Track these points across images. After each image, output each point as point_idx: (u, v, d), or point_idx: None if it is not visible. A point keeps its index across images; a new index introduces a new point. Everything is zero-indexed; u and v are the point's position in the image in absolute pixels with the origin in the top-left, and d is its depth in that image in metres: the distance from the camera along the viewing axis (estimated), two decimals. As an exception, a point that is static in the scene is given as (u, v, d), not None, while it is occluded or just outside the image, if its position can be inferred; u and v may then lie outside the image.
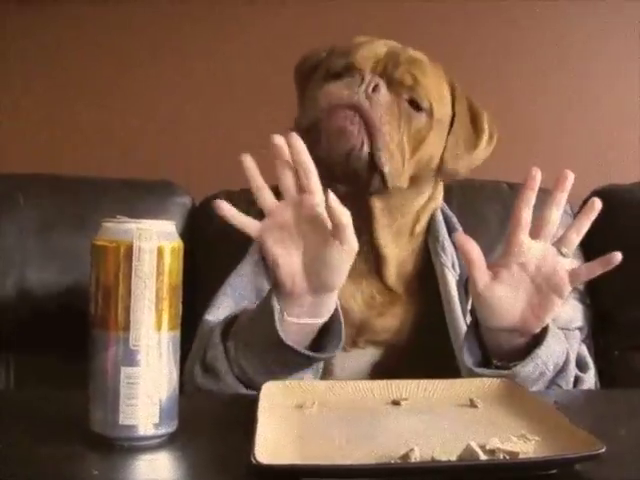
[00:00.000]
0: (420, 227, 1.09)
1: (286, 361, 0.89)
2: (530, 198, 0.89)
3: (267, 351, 0.89)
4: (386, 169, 0.98)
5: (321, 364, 0.95)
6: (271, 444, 0.64)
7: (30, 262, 1.45)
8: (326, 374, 1.01)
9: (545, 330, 0.91)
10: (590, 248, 1.53)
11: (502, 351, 0.93)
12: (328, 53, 1.10)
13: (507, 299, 0.89)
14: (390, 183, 1.00)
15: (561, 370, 0.95)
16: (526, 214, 0.88)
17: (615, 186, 1.58)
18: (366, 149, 0.97)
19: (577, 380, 0.99)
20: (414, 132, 1.01)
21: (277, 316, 0.86)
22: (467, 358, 0.93)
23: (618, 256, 0.90)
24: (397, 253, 1.06)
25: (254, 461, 0.58)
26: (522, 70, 1.83)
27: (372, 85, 0.97)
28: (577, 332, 1.07)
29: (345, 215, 0.84)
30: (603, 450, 0.59)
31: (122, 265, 0.67)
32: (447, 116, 1.07)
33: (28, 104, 1.82)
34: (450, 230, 1.11)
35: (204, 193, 1.60)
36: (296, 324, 0.88)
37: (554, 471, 0.61)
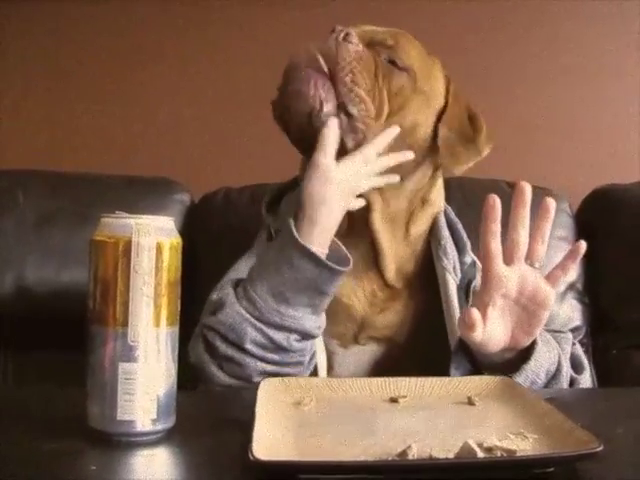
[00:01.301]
0: (416, 228, 1.08)
1: (297, 273, 0.91)
2: (494, 230, 0.87)
3: (280, 263, 0.92)
4: (354, 110, 0.95)
5: (314, 360, 0.95)
6: (269, 440, 0.64)
7: (29, 258, 1.45)
8: (326, 370, 1.02)
9: (534, 343, 0.92)
10: (590, 247, 1.54)
11: (493, 365, 0.93)
12: None
13: (497, 329, 0.89)
14: (363, 131, 0.97)
15: (554, 377, 0.95)
16: (494, 245, 0.87)
17: (615, 185, 1.58)
18: (329, 107, 0.94)
19: (572, 382, 0.99)
20: (395, 90, 0.99)
21: (294, 228, 0.90)
22: (454, 374, 0.93)
23: (583, 245, 0.90)
24: (395, 248, 1.06)
25: (252, 457, 0.58)
26: (523, 69, 1.83)
27: (342, 34, 0.95)
28: (569, 334, 1.06)
29: None
30: (601, 448, 0.59)
31: (121, 261, 0.67)
32: (435, 94, 1.05)
33: (28, 101, 1.83)
34: (454, 236, 1.11)
35: (203, 190, 1.61)
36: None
37: (552, 469, 0.61)
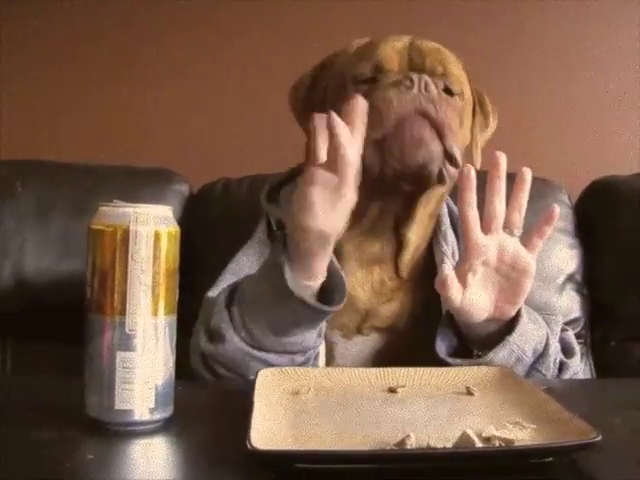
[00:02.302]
0: (432, 209, 1.09)
1: (293, 315, 0.89)
2: (470, 199, 0.89)
3: (274, 306, 0.89)
4: (460, 159, 0.99)
5: (317, 349, 0.95)
6: (267, 430, 0.64)
7: (28, 248, 1.45)
8: (328, 360, 1.02)
9: (518, 315, 0.93)
10: (589, 239, 1.54)
11: (479, 338, 0.94)
12: (323, 67, 1.09)
13: (479, 298, 0.91)
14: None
15: (541, 355, 0.96)
16: (471, 214, 0.89)
17: (614, 177, 1.58)
18: (440, 150, 0.96)
19: (562, 365, 1.00)
20: (458, 118, 1.01)
21: (286, 268, 0.87)
22: (439, 348, 0.94)
23: (556, 209, 0.92)
24: (416, 239, 1.06)
25: (250, 446, 0.58)
26: (522, 61, 1.82)
27: (423, 85, 0.96)
28: (560, 317, 1.07)
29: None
30: (600, 438, 0.59)
31: (119, 249, 0.67)
32: (470, 98, 1.07)
33: (27, 92, 1.82)
34: (453, 222, 1.11)
35: (202, 181, 1.61)
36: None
37: (550, 459, 0.61)
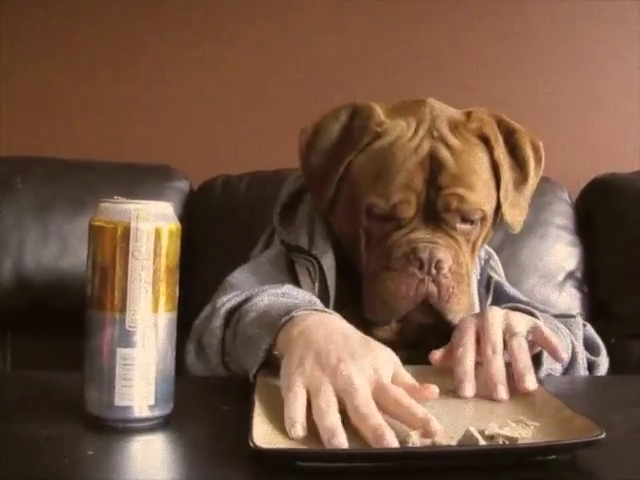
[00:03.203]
0: None
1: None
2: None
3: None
4: (452, 318, 0.97)
5: None
6: (268, 428, 0.63)
7: (28, 245, 1.46)
8: None
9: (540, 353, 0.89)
10: (590, 236, 1.54)
11: None
12: (343, 139, 1.02)
13: None
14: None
15: (570, 365, 0.95)
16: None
17: (615, 175, 1.58)
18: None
19: (591, 365, 0.99)
20: (472, 241, 1.00)
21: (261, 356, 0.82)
22: None
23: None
24: None
25: (252, 445, 0.58)
26: (524, 60, 1.82)
27: (433, 264, 0.94)
28: (579, 317, 1.05)
29: None
30: (603, 436, 0.59)
31: (119, 246, 0.67)
32: (495, 196, 1.01)
33: (27, 88, 1.82)
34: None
35: (202, 177, 1.61)
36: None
37: (553, 457, 0.61)
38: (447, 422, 0.68)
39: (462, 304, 0.97)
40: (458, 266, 0.97)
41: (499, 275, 1.14)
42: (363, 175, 0.99)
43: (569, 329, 0.99)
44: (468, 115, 1.01)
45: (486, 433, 0.62)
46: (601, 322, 1.49)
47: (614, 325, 1.49)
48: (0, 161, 1.53)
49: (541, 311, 0.98)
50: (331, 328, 0.76)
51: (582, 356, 0.97)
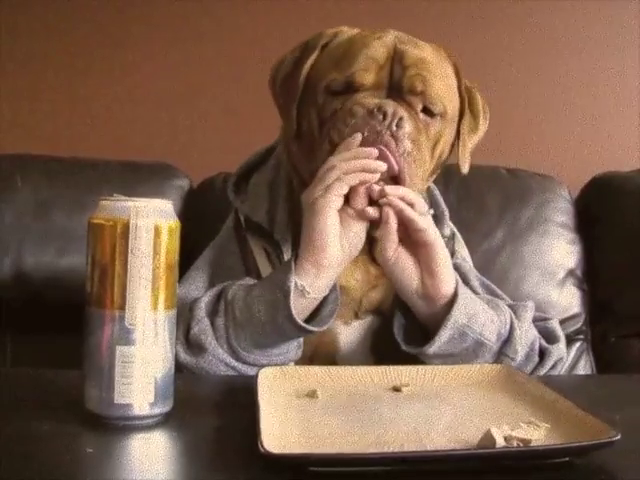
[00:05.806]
0: None
1: (284, 335, 0.93)
2: None
3: (268, 328, 0.91)
4: (408, 184, 0.97)
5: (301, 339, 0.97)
6: (277, 433, 0.63)
7: (27, 243, 1.45)
8: (332, 346, 1.04)
9: (455, 295, 0.94)
10: (590, 234, 1.54)
11: (428, 321, 0.97)
12: (306, 50, 1.04)
13: (405, 264, 0.94)
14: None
15: (507, 340, 0.97)
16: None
17: (615, 173, 1.58)
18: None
19: (544, 351, 1.01)
20: (432, 138, 1.00)
21: (292, 296, 0.89)
22: (398, 337, 0.98)
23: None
24: None
25: (263, 450, 0.57)
26: (523, 56, 1.82)
27: (395, 121, 0.94)
28: (530, 302, 1.06)
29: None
30: (618, 437, 0.59)
31: (119, 243, 0.67)
32: (456, 108, 1.04)
33: (26, 86, 1.82)
34: (431, 204, 1.12)
35: (202, 175, 1.60)
36: (306, 299, 0.91)
37: (566, 459, 0.60)
38: (455, 423, 0.68)
39: (418, 176, 0.97)
40: (417, 148, 0.96)
41: (462, 257, 1.15)
42: (323, 69, 1.00)
43: (515, 312, 1.01)
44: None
45: (501, 434, 0.61)
46: (601, 321, 1.50)
47: (614, 324, 1.49)
48: (0, 159, 1.53)
49: (494, 295, 1.06)
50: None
51: (523, 335, 0.98)
